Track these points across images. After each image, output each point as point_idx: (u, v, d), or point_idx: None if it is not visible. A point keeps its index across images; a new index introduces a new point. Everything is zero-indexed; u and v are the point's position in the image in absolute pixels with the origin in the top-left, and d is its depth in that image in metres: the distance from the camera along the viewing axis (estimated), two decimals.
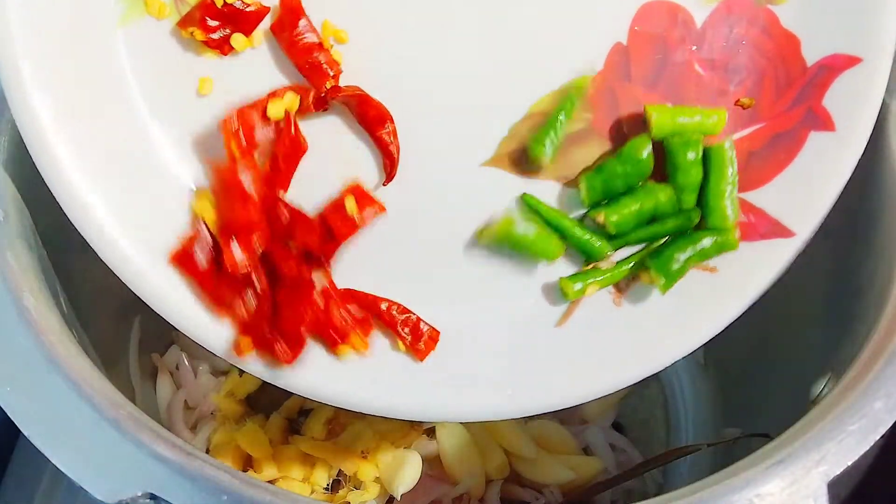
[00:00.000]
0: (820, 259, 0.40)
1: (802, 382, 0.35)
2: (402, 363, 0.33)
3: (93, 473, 0.26)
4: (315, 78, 0.31)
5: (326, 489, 0.43)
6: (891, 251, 0.34)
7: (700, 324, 0.34)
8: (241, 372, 0.45)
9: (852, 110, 0.33)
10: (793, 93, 0.34)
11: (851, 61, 0.33)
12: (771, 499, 0.27)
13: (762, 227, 0.34)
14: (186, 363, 0.46)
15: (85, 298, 0.36)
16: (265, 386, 0.45)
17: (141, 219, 0.31)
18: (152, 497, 0.26)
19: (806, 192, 0.34)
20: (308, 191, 0.32)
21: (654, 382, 0.53)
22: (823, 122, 0.33)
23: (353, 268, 0.33)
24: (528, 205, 0.33)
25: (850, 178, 0.38)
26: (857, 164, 0.37)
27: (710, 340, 0.52)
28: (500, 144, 0.33)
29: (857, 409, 0.28)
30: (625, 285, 0.34)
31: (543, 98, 0.33)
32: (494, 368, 0.34)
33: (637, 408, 0.52)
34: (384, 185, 0.33)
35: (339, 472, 0.43)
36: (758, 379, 0.46)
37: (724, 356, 0.51)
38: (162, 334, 0.48)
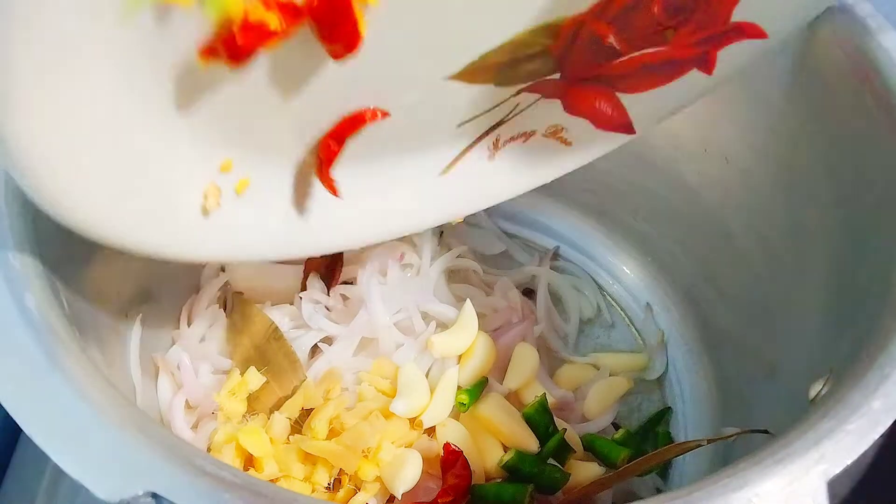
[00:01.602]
0: (819, 259, 0.41)
1: (801, 382, 0.35)
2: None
3: (94, 472, 0.26)
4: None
5: (328, 488, 0.43)
6: (890, 251, 0.34)
7: (548, 171, 0.44)
8: (243, 372, 0.45)
9: (732, 66, 0.39)
10: (704, 35, 0.38)
11: (760, 34, 0.38)
12: (770, 498, 0.27)
13: (617, 121, 0.42)
14: (187, 363, 0.46)
15: (86, 298, 0.36)
16: (267, 385, 0.45)
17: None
18: (154, 496, 0.26)
19: (660, 108, 0.41)
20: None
21: (653, 382, 0.53)
22: (707, 66, 0.40)
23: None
24: None
25: (850, 178, 0.38)
26: (857, 165, 0.38)
27: (711, 340, 0.52)
28: (467, 65, 0.36)
29: (856, 409, 0.28)
30: (501, 144, 0.42)
31: (521, 32, 0.35)
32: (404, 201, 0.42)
33: (636, 407, 0.52)
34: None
35: (340, 471, 0.43)
36: (757, 378, 0.46)
37: (724, 356, 0.51)
38: (163, 334, 0.48)
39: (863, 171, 0.38)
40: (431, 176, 0.42)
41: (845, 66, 0.38)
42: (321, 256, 0.50)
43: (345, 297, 0.51)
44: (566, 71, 0.39)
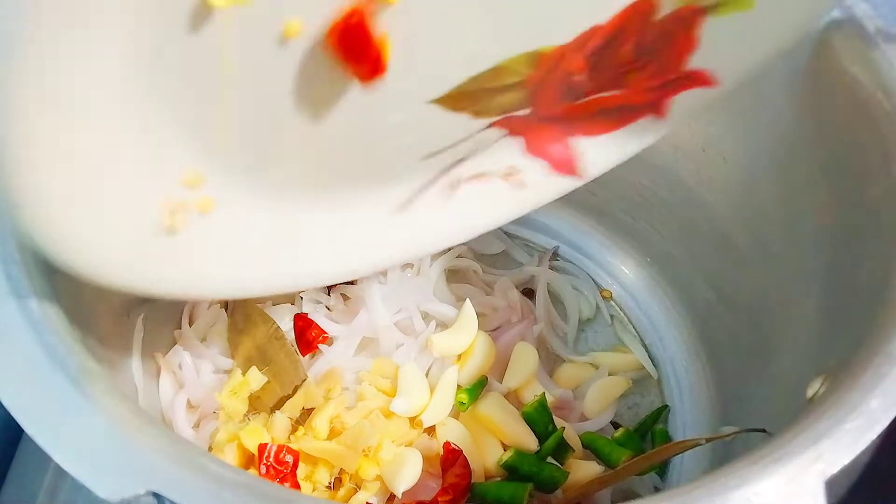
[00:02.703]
0: (818, 259, 0.41)
1: (799, 381, 0.35)
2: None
3: (95, 472, 0.26)
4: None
5: (328, 487, 0.43)
6: (888, 250, 0.35)
7: (502, 214, 0.42)
8: (244, 371, 0.46)
9: (683, 112, 0.39)
10: (659, 81, 0.38)
11: (713, 82, 0.38)
12: (768, 497, 0.27)
13: (568, 166, 0.41)
14: (189, 362, 0.46)
15: (88, 297, 0.36)
16: (268, 385, 0.46)
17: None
18: (155, 495, 0.26)
19: (611, 154, 0.41)
20: None
21: (651, 382, 0.53)
22: (660, 112, 0.39)
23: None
24: None
25: (849, 178, 0.38)
26: (856, 165, 0.38)
27: (710, 339, 0.52)
28: (451, 90, 0.36)
29: (854, 408, 0.28)
30: (459, 183, 0.41)
31: (507, 59, 0.35)
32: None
33: (635, 406, 0.52)
34: None
35: (341, 470, 0.43)
36: (755, 378, 0.46)
37: (722, 355, 0.51)
38: (165, 333, 0.48)
39: (861, 172, 0.38)
40: (387, 214, 0.40)
41: (844, 68, 0.38)
42: None
43: (345, 297, 0.51)
44: (535, 107, 0.39)
